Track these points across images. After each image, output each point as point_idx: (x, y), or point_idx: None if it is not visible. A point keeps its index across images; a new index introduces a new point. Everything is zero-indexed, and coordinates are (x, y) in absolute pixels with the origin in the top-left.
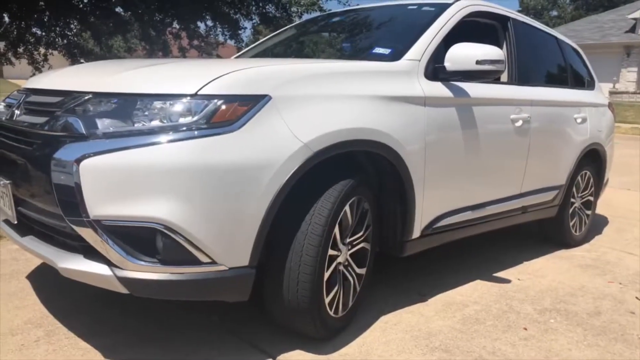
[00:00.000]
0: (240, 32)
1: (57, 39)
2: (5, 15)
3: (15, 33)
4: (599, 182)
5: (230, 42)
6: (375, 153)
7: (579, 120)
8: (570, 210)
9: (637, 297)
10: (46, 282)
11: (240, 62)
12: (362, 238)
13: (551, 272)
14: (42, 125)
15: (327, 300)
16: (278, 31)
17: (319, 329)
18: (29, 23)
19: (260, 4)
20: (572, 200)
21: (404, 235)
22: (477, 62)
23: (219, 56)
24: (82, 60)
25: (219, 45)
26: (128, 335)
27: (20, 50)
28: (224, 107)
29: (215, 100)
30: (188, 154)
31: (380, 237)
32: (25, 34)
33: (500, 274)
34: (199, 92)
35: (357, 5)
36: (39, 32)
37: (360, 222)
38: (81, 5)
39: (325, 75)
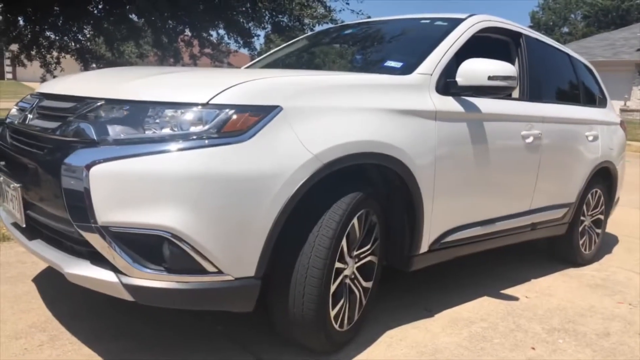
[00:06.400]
0: (252, 40)
1: (70, 43)
2: (20, 18)
3: (29, 36)
4: (610, 201)
5: (243, 51)
6: (384, 166)
7: (590, 138)
8: (580, 229)
9: None
10: (52, 285)
11: (251, 72)
12: (369, 251)
13: (560, 291)
14: (54, 130)
15: (332, 313)
16: (290, 42)
17: (323, 342)
18: (43, 27)
19: (274, 13)
20: (582, 218)
21: (412, 249)
22: (489, 78)
23: (230, 64)
24: (94, 65)
25: (230, 54)
26: (132, 341)
27: (33, 53)
28: (235, 117)
29: (227, 110)
30: (198, 162)
31: (387, 251)
32: (39, 37)
33: (508, 291)
34: (211, 102)
35: (369, 17)
36: (52, 36)
37: (368, 235)
38: (95, 11)
39: (337, 87)
